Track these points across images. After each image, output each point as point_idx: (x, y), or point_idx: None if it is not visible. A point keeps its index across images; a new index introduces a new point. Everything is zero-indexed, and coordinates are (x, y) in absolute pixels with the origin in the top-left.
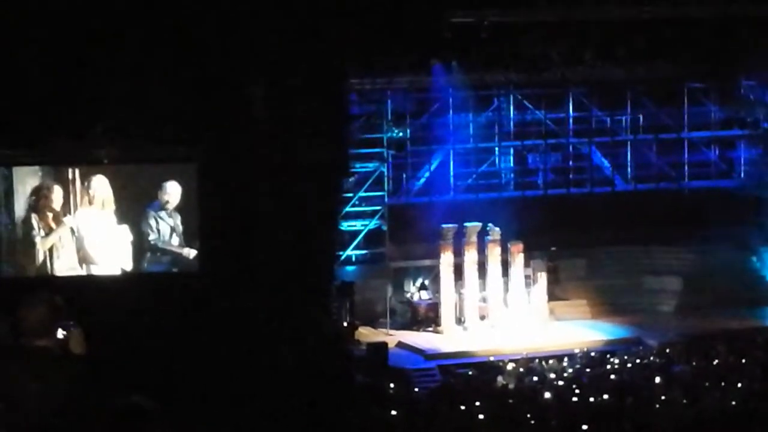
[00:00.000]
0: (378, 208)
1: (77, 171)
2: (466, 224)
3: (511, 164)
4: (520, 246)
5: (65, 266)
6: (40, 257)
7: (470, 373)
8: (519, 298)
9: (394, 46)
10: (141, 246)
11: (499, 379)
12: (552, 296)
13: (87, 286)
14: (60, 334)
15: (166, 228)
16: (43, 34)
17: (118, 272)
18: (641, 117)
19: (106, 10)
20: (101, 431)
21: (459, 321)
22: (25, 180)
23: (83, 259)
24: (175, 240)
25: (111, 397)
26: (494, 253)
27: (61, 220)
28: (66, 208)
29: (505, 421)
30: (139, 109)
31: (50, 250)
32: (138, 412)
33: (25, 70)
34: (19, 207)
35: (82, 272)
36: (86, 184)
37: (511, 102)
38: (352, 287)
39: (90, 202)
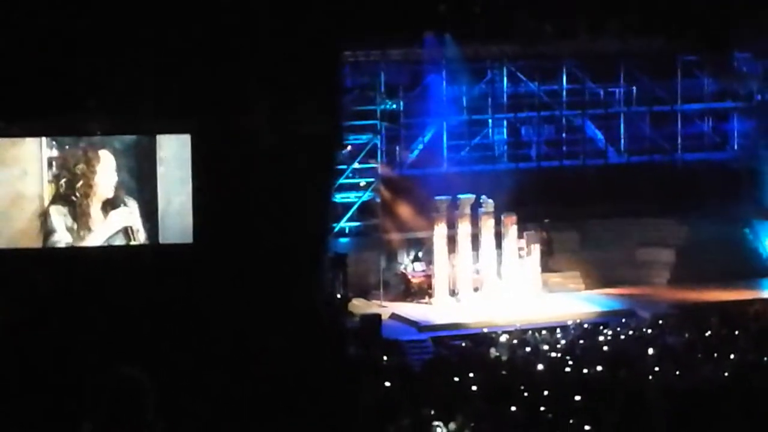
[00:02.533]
0: (371, 180)
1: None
2: (460, 196)
3: (505, 136)
4: (514, 218)
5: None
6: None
7: (463, 344)
8: (512, 270)
9: (387, 18)
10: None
11: (492, 350)
12: (545, 268)
13: (80, 259)
14: None
15: None
16: (37, 6)
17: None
18: (635, 89)
19: None
20: (94, 403)
21: (452, 293)
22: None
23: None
24: None
25: (103, 369)
26: (487, 225)
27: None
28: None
29: (499, 392)
30: (131, 80)
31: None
32: (130, 384)
33: (17, 42)
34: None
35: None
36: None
37: (505, 74)
38: (345, 259)
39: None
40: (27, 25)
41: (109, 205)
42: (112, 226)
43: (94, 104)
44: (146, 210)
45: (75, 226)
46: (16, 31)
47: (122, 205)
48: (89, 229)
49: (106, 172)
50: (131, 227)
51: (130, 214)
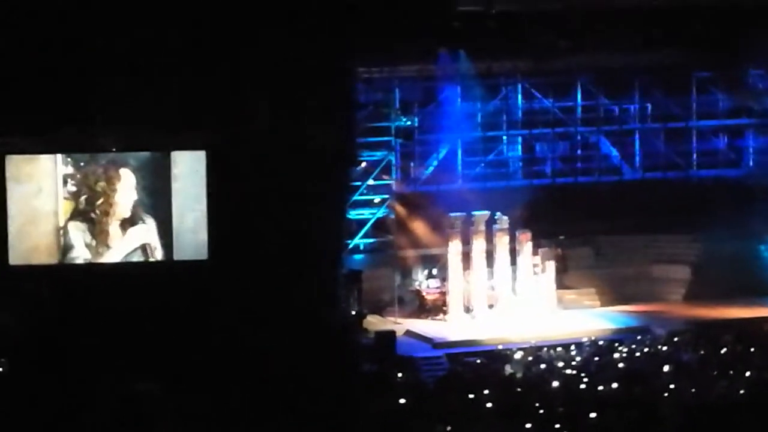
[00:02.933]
0: (386, 196)
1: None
2: (474, 213)
3: (519, 153)
4: (528, 234)
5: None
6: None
7: (478, 361)
8: (527, 286)
9: (401, 34)
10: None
11: (507, 367)
12: (560, 285)
13: (94, 275)
14: None
15: None
16: (49, 22)
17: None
18: (649, 106)
19: None
20: (108, 418)
21: (467, 309)
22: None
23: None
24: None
25: (119, 384)
26: (502, 241)
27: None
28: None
29: (513, 409)
30: (147, 97)
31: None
32: (144, 399)
33: (31, 58)
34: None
35: (91, 259)
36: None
37: (519, 91)
38: (359, 276)
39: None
40: (42, 42)
41: (128, 223)
42: (130, 243)
43: (109, 121)
44: (161, 227)
45: (94, 243)
46: (30, 48)
47: (140, 222)
48: (108, 246)
49: (126, 190)
50: (149, 244)
51: (147, 232)
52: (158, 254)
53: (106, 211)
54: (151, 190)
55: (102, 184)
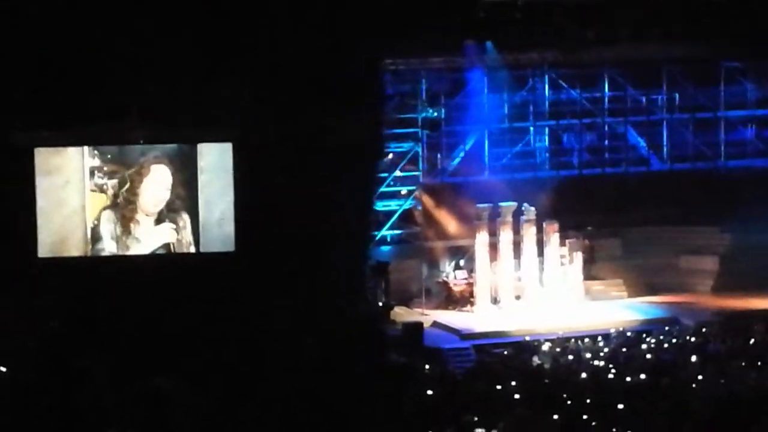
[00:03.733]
0: (413, 188)
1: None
2: (501, 204)
3: (546, 144)
4: (556, 226)
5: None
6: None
7: (506, 352)
8: (554, 277)
9: (428, 25)
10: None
11: (535, 358)
12: (587, 276)
13: (123, 267)
14: None
15: None
16: (79, 14)
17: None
18: (677, 96)
19: None
20: (125, 412)
21: (494, 301)
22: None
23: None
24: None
25: (138, 377)
26: (529, 232)
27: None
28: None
29: (541, 400)
30: (174, 89)
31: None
32: (161, 395)
33: (60, 50)
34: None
35: (117, 252)
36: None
37: (546, 81)
38: (387, 267)
39: None
40: (68, 34)
41: (159, 217)
42: (160, 238)
43: (135, 113)
44: (192, 221)
45: (122, 236)
46: (57, 41)
47: (173, 217)
48: (137, 240)
49: (155, 184)
50: (174, 243)
51: (175, 230)
52: (192, 249)
53: (136, 204)
54: (179, 182)
55: (131, 177)
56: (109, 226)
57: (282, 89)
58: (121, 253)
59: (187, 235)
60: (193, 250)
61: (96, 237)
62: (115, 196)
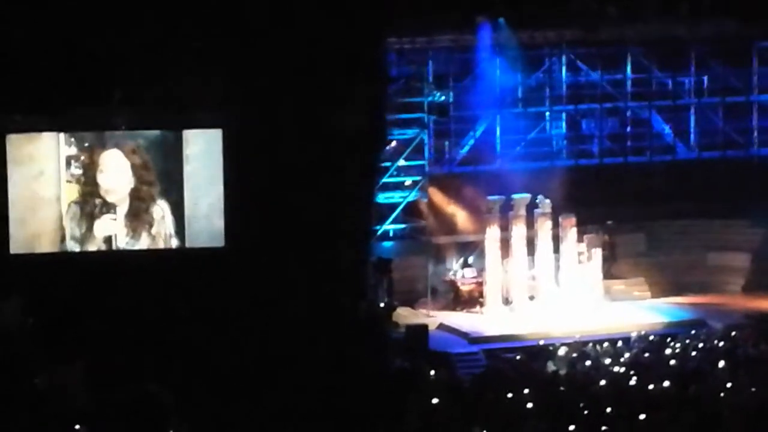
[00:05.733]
0: (418, 178)
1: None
2: (514, 196)
3: (564, 130)
4: (573, 220)
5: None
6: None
7: (518, 357)
8: (571, 276)
9: (435, 1)
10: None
11: (550, 364)
12: (607, 274)
13: (110, 262)
14: None
15: None
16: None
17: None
18: (706, 78)
19: None
20: (117, 420)
21: (506, 301)
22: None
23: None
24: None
25: (131, 380)
26: (544, 227)
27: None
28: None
29: (556, 409)
30: (158, 72)
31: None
32: (153, 402)
33: (42, 35)
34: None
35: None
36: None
37: (564, 62)
38: (389, 264)
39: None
40: (48, 16)
41: (129, 209)
42: (100, 231)
43: (117, 96)
44: (173, 213)
45: (86, 232)
46: (33, 18)
47: (144, 207)
48: (94, 235)
49: (115, 172)
50: (154, 233)
51: (114, 221)
52: (173, 242)
53: (92, 197)
54: (162, 172)
55: (84, 165)
56: (71, 223)
57: (275, 71)
58: (85, 248)
59: (166, 227)
60: (173, 243)
61: (63, 232)
62: (80, 187)
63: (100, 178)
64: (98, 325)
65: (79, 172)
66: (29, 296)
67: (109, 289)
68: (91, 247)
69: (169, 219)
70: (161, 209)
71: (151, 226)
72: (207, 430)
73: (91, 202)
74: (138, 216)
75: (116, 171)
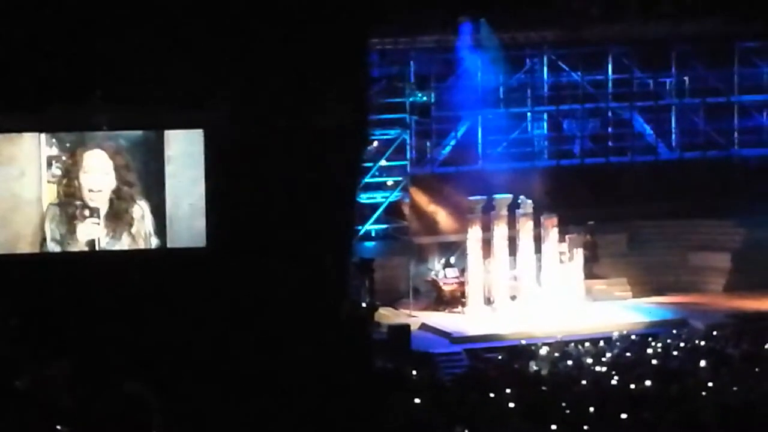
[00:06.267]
0: (400, 178)
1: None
2: (496, 196)
3: (545, 131)
4: (555, 220)
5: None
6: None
7: (500, 357)
8: (553, 276)
9: (417, 1)
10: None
11: (531, 364)
12: (589, 274)
13: (92, 263)
14: None
15: None
16: None
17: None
18: (687, 79)
19: None
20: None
21: (487, 301)
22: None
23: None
24: None
25: (115, 379)
26: (526, 227)
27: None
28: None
29: (538, 409)
30: (139, 71)
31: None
32: (138, 402)
33: (21, 32)
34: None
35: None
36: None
37: (545, 63)
38: (371, 265)
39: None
40: (24, 11)
41: (110, 210)
42: (84, 234)
43: (98, 96)
44: (154, 213)
45: (67, 234)
46: (11, 17)
47: (125, 207)
48: (75, 238)
49: (97, 172)
50: (134, 233)
51: (97, 225)
52: (152, 242)
53: (74, 198)
54: (142, 173)
55: (66, 167)
56: (51, 225)
57: (257, 71)
58: (66, 249)
59: (146, 226)
60: (153, 242)
61: (43, 234)
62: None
63: (84, 179)
64: (80, 326)
65: (60, 173)
66: (10, 297)
67: (91, 289)
68: (73, 249)
69: (149, 218)
70: (141, 209)
71: (131, 226)
72: (190, 430)
73: (71, 204)
74: (119, 216)
75: (101, 172)
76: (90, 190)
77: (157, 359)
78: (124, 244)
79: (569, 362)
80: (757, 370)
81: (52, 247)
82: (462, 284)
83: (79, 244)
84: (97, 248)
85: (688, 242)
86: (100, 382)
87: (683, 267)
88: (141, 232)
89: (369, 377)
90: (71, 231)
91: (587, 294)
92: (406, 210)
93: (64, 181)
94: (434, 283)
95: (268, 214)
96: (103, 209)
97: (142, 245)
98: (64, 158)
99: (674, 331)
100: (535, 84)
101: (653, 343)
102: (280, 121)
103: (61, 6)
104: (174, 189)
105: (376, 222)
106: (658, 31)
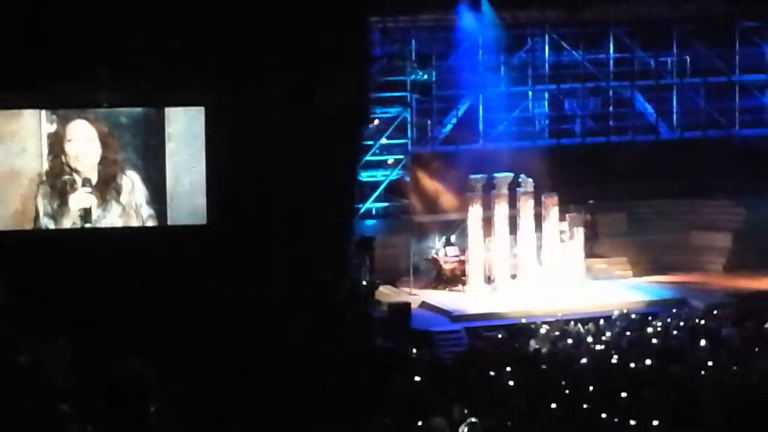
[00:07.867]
0: (401, 157)
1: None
2: (497, 175)
3: (546, 110)
4: (555, 199)
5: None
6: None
7: (500, 336)
8: (553, 255)
9: None
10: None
11: (532, 343)
12: (589, 253)
13: (91, 240)
14: None
15: None
16: None
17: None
18: (688, 58)
19: None
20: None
21: (488, 280)
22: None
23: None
24: None
25: (112, 358)
26: (527, 206)
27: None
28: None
29: (538, 388)
30: (140, 48)
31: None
32: (136, 379)
33: (22, 12)
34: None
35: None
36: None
37: (547, 42)
38: (372, 243)
39: None
40: None
41: (100, 183)
42: (76, 203)
43: (101, 73)
44: (153, 189)
45: (59, 208)
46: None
47: (120, 181)
48: (66, 212)
49: (83, 143)
50: (125, 204)
51: (89, 194)
52: (148, 218)
53: (62, 170)
54: (141, 149)
55: (51, 141)
56: (44, 200)
57: (259, 48)
58: (57, 226)
59: (136, 197)
60: (145, 213)
61: (36, 211)
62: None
63: (69, 147)
64: (79, 304)
65: (47, 148)
66: (10, 274)
67: (90, 266)
68: (66, 223)
69: (140, 190)
70: (131, 180)
71: (119, 194)
72: (188, 407)
73: (61, 177)
74: (108, 184)
75: (84, 138)
76: (76, 157)
77: (156, 336)
78: (114, 214)
79: (569, 341)
80: (756, 349)
81: (46, 222)
82: (462, 263)
83: (72, 215)
84: (91, 219)
85: (688, 222)
86: (100, 360)
87: (683, 246)
88: (132, 204)
89: (369, 355)
90: (63, 203)
91: (587, 273)
92: (407, 188)
93: (51, 155)
94: (434, 262)
95: (268, 192)
96: (94, 178)
97: (133, 216)
98: (49, 131)
99: (674, 311)
100: (536, 63)
101: (653, 323)
102: (281, 98)
103: None
104: (175, 166)
105: (377, 200)
106: (660, 11)
